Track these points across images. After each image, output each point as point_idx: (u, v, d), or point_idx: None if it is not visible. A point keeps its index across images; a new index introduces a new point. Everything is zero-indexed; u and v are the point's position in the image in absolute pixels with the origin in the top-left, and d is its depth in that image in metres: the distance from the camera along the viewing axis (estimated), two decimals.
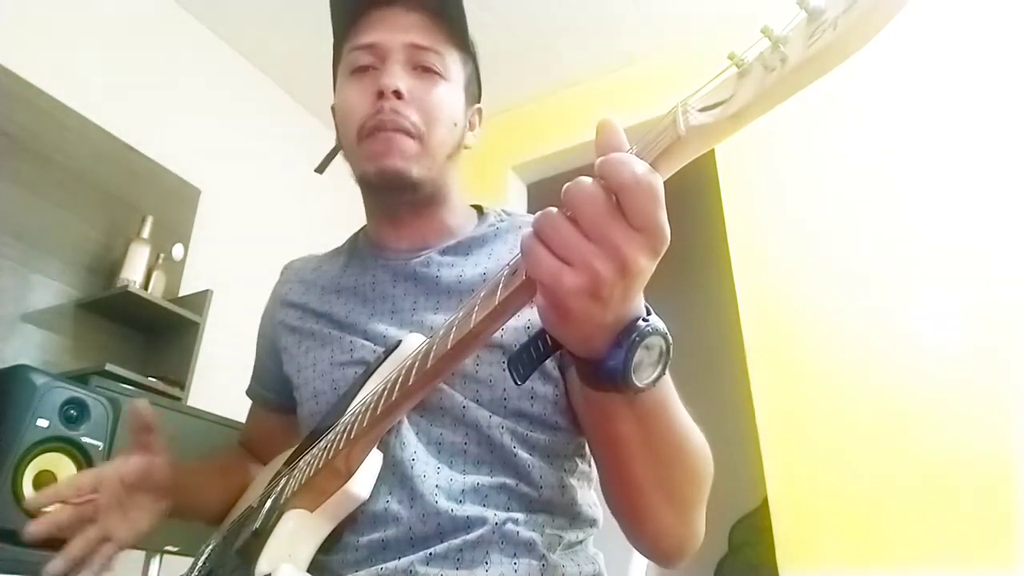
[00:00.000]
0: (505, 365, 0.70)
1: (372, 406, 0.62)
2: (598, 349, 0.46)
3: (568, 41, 2.92)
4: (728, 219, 2.52)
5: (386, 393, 0.61)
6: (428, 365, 0.55)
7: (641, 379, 0.46)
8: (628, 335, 0.45)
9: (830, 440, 2.06)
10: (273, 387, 0.92)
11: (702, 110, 0.41)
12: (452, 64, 0.82)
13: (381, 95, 0.76)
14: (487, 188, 2.96)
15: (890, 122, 2.32)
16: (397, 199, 0.82)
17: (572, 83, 3.09)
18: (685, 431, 0.58)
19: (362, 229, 0.93)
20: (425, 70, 0.79)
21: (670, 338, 0.47)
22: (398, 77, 0.77)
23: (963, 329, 2.00)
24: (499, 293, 0.49)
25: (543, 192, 3.19)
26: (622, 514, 0.65)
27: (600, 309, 0.44)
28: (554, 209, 0.44)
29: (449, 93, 0.81)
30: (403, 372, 0.60)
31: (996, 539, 1.77)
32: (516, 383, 0.52)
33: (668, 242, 0.43)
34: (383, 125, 0.76)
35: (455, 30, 0.82)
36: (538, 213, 0.45)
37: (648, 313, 0.47)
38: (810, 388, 2.15)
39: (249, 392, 0.99)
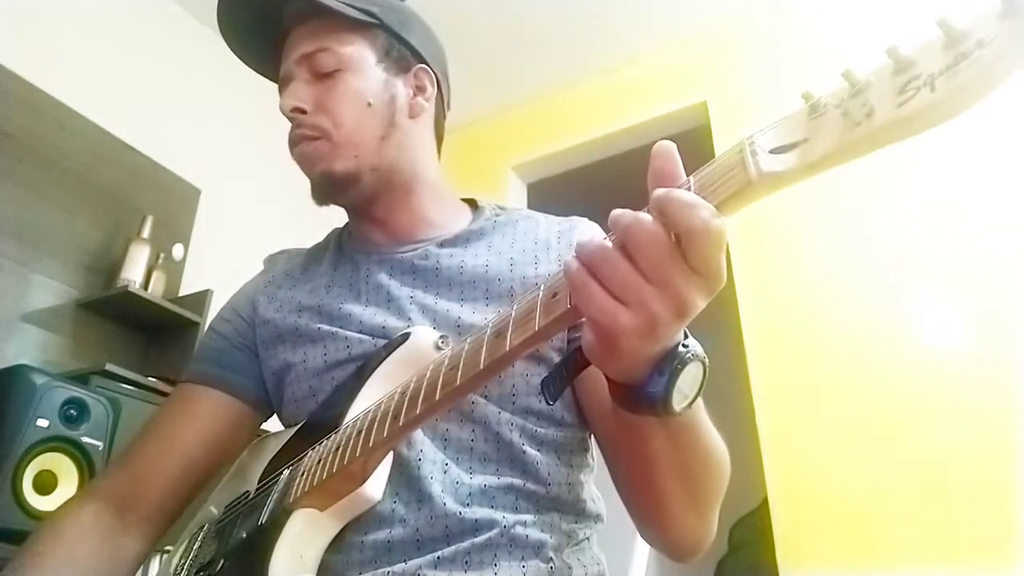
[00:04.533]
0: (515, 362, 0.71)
1: (392, 415, 0.60)
2: (638, 376, 0.46)
3: (568, 41, 2.92)
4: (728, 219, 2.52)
5: (407, 404, 0.59)
6: (457, 381, 0.54)
7: (678, 404, 0.46)
8: (670, 363, 0.45)
9: (830, 440, 2.06)
10: (243, 371, 0.83)
11: (773, 151, 0.38)
12: (346, 49, 0.81)
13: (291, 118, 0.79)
14: (487, 188, 2.96)
15: None
16: (352, 198, 0.82)
17: (572, 83, 3.09)
18: (712, 444, 0.59)
19: (346, 227, 0.92)
20: (323, 74, 0.80)
21: (707, 361, 0.47)
22: (291, 95, 0.80)
23: (963, 329, 2.00)
24: (539, 318, 0.48)
25: (543, 192, 3.19)
26: (646, 519, 0.66)
27: (652, 345, 0.44)
28: (608, 244, 0.43)
29: (350, 81, 0.80)
30: (425, 385, 0.58)
31: (996, 540, 1.77)
32: (548, 403, 0.51)
33: (724, 283, 0.43)
34: (293, 141, 0.80)
35: (337, 16, 0.81)
36: (588, 244, 0.44)
37: (685, 336, 0.47)
38: (810, 388, 2.15)
39: (197, 375, 0.83)
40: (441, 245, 0.81)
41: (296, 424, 0.78)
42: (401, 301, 0.77)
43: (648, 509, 0.65)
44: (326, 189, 0.80)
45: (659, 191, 0.41)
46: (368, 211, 0.84)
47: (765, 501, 2.16)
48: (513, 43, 2.89)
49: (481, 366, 0.52)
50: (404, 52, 0.85)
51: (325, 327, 0.77)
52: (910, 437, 1.95)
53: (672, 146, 0.44)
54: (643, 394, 0.46)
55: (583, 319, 0.45)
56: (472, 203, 0.90)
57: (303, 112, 0.79)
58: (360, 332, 0.76)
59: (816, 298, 2.25)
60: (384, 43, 0.83)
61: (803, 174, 0.37)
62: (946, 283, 2.07)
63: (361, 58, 0.81)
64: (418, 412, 0.58)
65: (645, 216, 0.42)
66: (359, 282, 0.81)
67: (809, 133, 0.37)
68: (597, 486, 0.77)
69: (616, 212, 0.43)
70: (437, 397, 0.56)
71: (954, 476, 1.86)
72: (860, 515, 1.95)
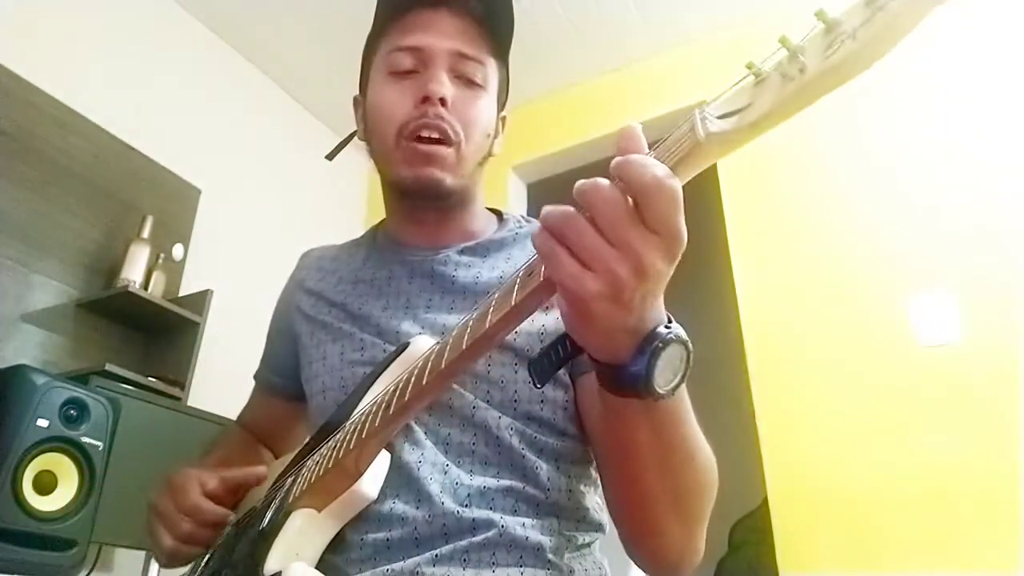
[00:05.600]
0: (516, 367, 0.71)
1: (384, 405, 0.62)
2: (621, 355, 0.47)
3: (568, 41, 2.92)
4: (728, 217, 2.52)
5: (398, 393, 0.60)
6: (442, 365, 0.55)
7: (661, 385, 0.47)
8: (651, 342, 0.45)
9: (830, 440, 2.06)
10: (282, 372, 0.93)
11: (720, 117, 0.42)
12: (491, 74, 0.83)
13: (426, 100, 0.76)
14: (487, 188, 2.93)
15: (891, 118, 2.32)
16: (426, 203, 0.82)
17: (572, 83, 3.09)
18: (697, 444, 0.59)
19: (381, 223, 0.93)
20: (467, 80, 0.80)
21: (691, 346, 0.47)
22: (444, 85, 0.77)
23: (964, 329, 2.00)
24: (515, 294, 0.50)
25: (543, 192, 3.19)
26: (628, 523, 0.65)
27: (623, 313, 0.44)
28: (572, 210, 0.44)
29: (487, 105, 0.82)
30: (416, 372, 0.59)
31: (996, 540, 1.77)
32: (536, 385, 0.52)
33: (684, 245, 0.44)
34: (426, 126, 0.76)
35: (500, 40, 0.82)
36: (552, 212, 0.45)
37: (670, 321, 0.48)
38: (810, 388, 2.15)
39: (257, 376, 1.00)
40: (461, 252, 0.82)
41: (312, 421, 0.81)
42: (417, 307, 0.78)
43: (631, 509, 0.64)
44: (419, 188, 0.79)
45: (617, 158, 0.43)
46: (423, 215, 0.84)
47: (765, 501, 2.16)
48: (513, 43, 2.89)
49: (464, 347, 0.53)
50: (504, 98, 0.89)
51: (346, 327, 0.80)
52: (910, 437, 1.95)
53: (637, 128, 0.45)
54: (626, 373, 0.46)
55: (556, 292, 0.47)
56: (498, 213, 0.92)
57: (445, 105, 0.77)
58: (376, 336, 0.78)
59: (816, 298, 2.25)
60: (503, 82, 0.87)
61: (747, 133, 0.41)
62: (947, 282, 2.07)
63: (495, 87, 0.84)
64: (407, 399, 0.59)
65: (603, 180, 0.43)
66: (382, 282, 0.83)
67: (753, 98, 0.40)
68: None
69: (578, 182, 0.44)
70: (425, 382, 0.57)
71: (954, 476, 1.86)
72: (860, 515, 1.95)
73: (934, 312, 2.05)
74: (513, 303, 0.49)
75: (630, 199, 0.42)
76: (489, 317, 0.51)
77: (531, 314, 0.50)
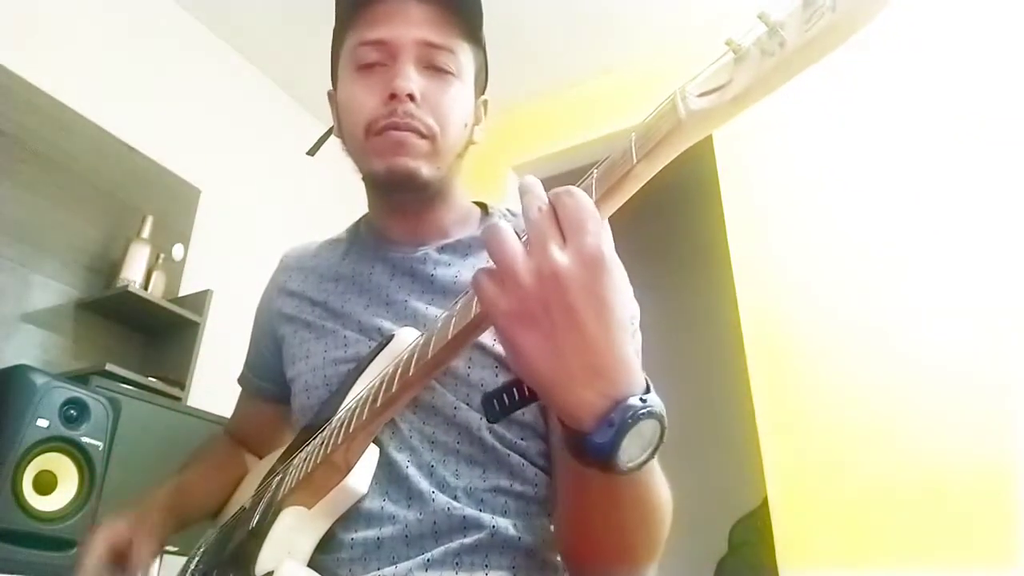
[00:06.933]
0: (497, 371, 0.70)
1: (371, 399, 0.61)
2: (584, 421, 0.42)
3: (568, 41, 2.92)
4: (728, 219, 2.52)
5: (384, 386, 0.60)
6: (428, 356, 0.55)
7: (627, 462, 0.42)
8: (621, 414, 0.41)
9: (830, 440, 2.06)
10: (266, 376, 0.92)
11: (701, 95, 0.41)
12: (464, 60, 0.79)
13: (393, 97, 0.74)
14: (487, 188, 2.96)
15: (894, 119, 2.32)
16: (404, 196, 0.80)
17: (572, 83, 3.09)
18: (654, 500, 0.54)
19: (363, 218, 0.91)
20: (437, 70, 0.77)
21: (666, 421, 0.43)
22: (412, 79, 0.74)
23: (963, 328, 2.00)
24: None
25: None
26: (572, 559, 0.64)
27: (550, 349, 0.42)
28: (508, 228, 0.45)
29: (461, 93, 0.79)
30: (402, 363, 0.59)
31: (996, 539, 1.77)
32: (489, 421, 0.51)
33: (603, 261, 0.41)
34: (395, 126, 0.74)
35: (470, 23, 0.79)
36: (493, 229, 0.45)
37: (648, 390, 0.44)
38: (810, 388, 2.15)
39: (241, 380, 0.98)
40: (441, 250, 0.80)
41: (297, 421, 0.81)
42: (397, 304, 0.77)
43: (577, 551, 0.63)
44: (393, 180, 0.76)
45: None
46: (402, 208, 0.83)
47: (765, 501, 2.16)
48: (513, 43, 2.89)
49: (449, 336, 0.52)
50: (483, 81, 0.86)
51: (329, 325, 0.80)
52: (910, 437, 1.95)
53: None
54: (589, 443, 0.42)
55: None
56: (484, 207, 0.89)
57: (413, 101, 0.74)
58: (359, 332, 0.77)
59: (816, 298, 2.24)
60: (480, 65, 0.84)
61: (727, 110, 0.40)
62: (947, 282, 2.07)
63: (470, 73, 0.81)
64: (394, 391, 0.58)
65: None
66: (363, 279, 0.82)
67: (733, 75, 0.40)
68: None
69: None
70: (412, 372, 0.56)
71: (954, 476, 1.86)
72: (860, 515, 1.95)
73: (935, 311, 2.05)
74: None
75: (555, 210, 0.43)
76: (474, 305, 0.50)
77: None
